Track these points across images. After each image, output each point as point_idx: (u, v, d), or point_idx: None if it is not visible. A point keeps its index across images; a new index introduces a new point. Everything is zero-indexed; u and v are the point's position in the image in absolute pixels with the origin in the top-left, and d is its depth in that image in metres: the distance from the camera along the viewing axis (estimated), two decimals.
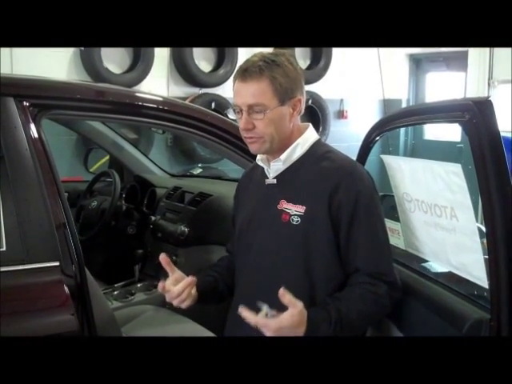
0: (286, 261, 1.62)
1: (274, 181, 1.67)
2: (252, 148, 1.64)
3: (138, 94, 2.27)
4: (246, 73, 1.56)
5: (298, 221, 1.59)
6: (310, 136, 1.68)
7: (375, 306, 1.58)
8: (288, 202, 1.62)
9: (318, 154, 1.65)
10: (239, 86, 1.58)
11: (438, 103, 1.73)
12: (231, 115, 1.69)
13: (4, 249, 1.61)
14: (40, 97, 1.84)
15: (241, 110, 1.59)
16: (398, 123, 1.93)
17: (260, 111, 1.56)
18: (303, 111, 1.67)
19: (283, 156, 1.64)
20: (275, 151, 1.65)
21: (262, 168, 1.71)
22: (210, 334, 2.32)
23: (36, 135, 1.75)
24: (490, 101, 1.42)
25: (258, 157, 1.71)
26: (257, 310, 1.67)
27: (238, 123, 1.66)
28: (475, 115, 1.41)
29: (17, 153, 1.70)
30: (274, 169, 1.66)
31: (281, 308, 1.61)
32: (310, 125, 1.71)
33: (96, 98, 2.02)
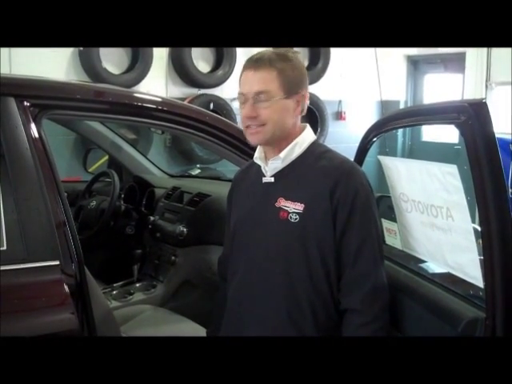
0: (284, 258, 1.62)
1: (272, 179, 1.68)
2: (252, 139, 1.65)
3: (137, 95, 2.29)
4: (257, 62, 1.61)
5: (296, 218, 1.60)
6: (307, 136, 1.70)
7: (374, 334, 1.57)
8: (286, 199, 1.63)
9: (317, 153, 1.67)
10: (248, 75, 1.62)
11: (434, 105, 1.75)
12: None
13: (4, 248, 1.62)
14: (40, 97, 1.86)
15: (245, 100, 1.61)
16: (394, 124, 1.95)
17: (266, 99, 1.59)
18: (305, 111, 1.69)
19: (282, 154, 1.65)
20: (274, 144, 1.66)
21: (258, 166, 1.72)
22: None
23: (36, 135, 1.76)
24: (485, 103, 1.44)
25: (256, 154, 1.72)
26: (252, 310, 1.68)
27: (240, 113, 1.65)
28: (470, 117, 1.43)
29: (17, 152, 1.71)
30: (271, 167, 1.67)
31: (276, 308, 1.63)
32: (308, 125, 1.73)
33: (96, 98, 2.03)
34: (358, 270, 1.60)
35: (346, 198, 1.59)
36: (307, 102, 1.69)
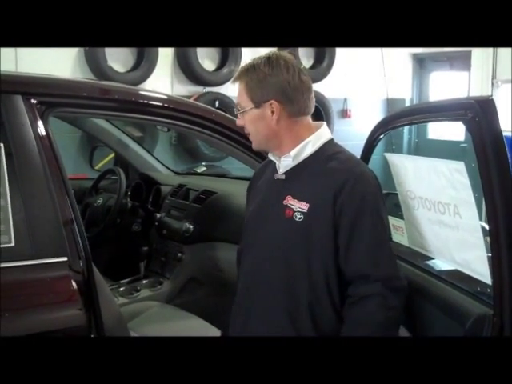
0: (285, 256, 1.63)
1: (283, 176, 1.68)
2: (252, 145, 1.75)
3: (143, 92, 2.29)
4: (235, 75, 1.70)
5: (300, 217, 1.60)
6: (322, 135, 1.69)
7: (386, 322, 1.56)
8: (293, 197, 1.63)
9: (328, 153, 1.66)
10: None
11: (441, 102, 1.75)
12: None
13: (12, 244, 1.63)
14: (47, 95, 1.86)
15: None
16: (401, 122, 1.95)
17: (241, 111, 1.68)
18: (311, 110, 1.69)
19: (293, 152, 1.66)
20: (271, 148, 1.70)
21: (275, 163, 1.73)
22: (214, 329, 2.34)
23: (43, 132, 1.76)
24: (493, 100, 1.44)
25: (270, 152, 1.74)
26: (256, 306, 1.68)
27: None
28: (478, 114, 1.42)
29: (24, 149, 1.72)
30: (283, 164, 1.68)
31: (277, 305, 1.63)
32: (324, 124, 1.72)
33: (102, 96, 2.04)
34: (379, 276, 1.57)
35: (351, 204, 1.57)
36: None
